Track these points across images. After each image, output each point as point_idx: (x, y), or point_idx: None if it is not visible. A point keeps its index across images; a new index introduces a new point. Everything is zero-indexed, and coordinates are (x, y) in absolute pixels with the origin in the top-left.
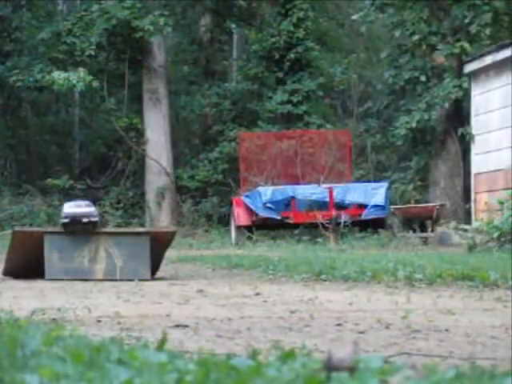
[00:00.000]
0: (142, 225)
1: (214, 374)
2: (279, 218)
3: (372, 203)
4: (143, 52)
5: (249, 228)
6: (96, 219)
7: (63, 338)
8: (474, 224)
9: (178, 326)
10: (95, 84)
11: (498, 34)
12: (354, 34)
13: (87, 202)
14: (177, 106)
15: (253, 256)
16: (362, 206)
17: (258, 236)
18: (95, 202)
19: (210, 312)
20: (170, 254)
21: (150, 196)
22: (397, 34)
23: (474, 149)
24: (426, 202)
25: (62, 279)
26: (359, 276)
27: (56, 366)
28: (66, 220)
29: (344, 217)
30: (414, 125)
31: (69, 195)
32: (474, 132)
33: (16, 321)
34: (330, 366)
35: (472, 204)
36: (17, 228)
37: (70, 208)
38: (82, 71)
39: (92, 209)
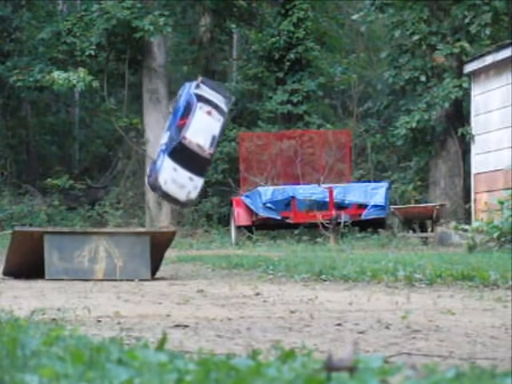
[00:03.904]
0: (142, 225)
1: (213, 374)
2: (279, 218)
3: (372, 203)
4: (143, 52)
5: (249, 228)
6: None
7: (63, 338)
8: (474, 224)
9: (177, 326)
10: (95, 84)
11: (498, 34)
12: (354, 33)
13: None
14: None
15: (253, 256)
16: (362, 206)
17: (258, 236)
18: (95, 202)
19: (210, 312)
20: (169, 254)
21: (150, 196)
22: (397, 34)
23: (474, 149)
24: (426, 202)
25: (62, 279)
26: (359, 276)
27: (56, 366)
28: (174, 145)
29: (344, 217)
30: (413, 125)
31: (69, 195)
32: (473, 132)
33: (16, 321)
34: (330, 366)
35: (472, 204)
36: (17, 228)
37: (191, 142)
38: (82, 71)
39: (197, 183)
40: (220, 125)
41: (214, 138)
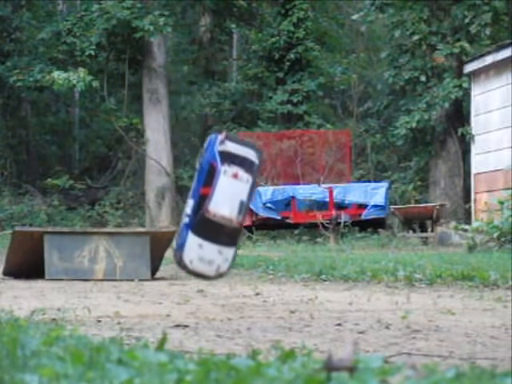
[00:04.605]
0: (142, 225)
1: (213, 374)
2: (279, 218)
3: (372, 203)
4: (143, 52)
5: (249, 228)
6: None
7: (63, 338)
8: (474, 224)
9: (178, 326)
10: (95, 84)
11: (498, 34)
12: (354, 33)
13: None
14: (177, 106)
15: (253, 256)
16: (362, 206)
17: (258, 236)
18: (95, 202)
19: (210, 312)
20: (170, 254)
21: (150, 196)
22: (397, 34)
23: (474, 149)
24: (426, 202)
25: (62, 279)
26: (359, 276)
27: (56, 366)
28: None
29: (344, 217)
30: (413, 125)
31: (69, 195)
32: (473, 132)
33: (16, 321)
34: (330, 366)
35: (472, 204)
36: (17, 228)
37: (215, 215)
38: (82, 71)
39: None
40: (249, 187)
41: (242, 203)
